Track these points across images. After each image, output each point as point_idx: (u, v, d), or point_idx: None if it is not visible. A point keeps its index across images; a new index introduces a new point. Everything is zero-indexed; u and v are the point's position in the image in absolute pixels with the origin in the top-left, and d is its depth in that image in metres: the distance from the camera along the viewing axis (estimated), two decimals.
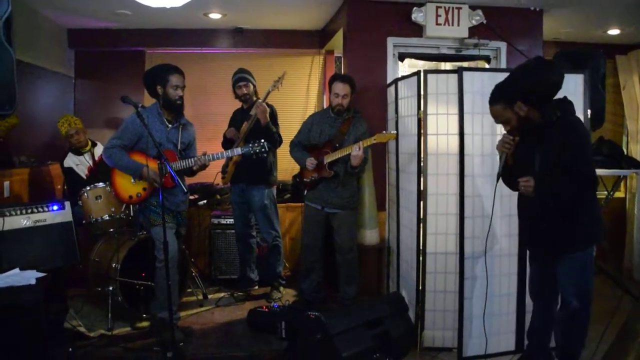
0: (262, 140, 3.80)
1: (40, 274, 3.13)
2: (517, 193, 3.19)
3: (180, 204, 3.90)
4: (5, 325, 2.71)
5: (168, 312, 3.41)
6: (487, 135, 3.70)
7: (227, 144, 4.72)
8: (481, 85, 3.68)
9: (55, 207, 3.98)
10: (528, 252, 3.47)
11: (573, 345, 3.05)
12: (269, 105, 4.58)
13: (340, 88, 4.12)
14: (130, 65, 6.22)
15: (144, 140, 3.70)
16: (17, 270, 3.17)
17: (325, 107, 5.36)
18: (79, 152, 4.90)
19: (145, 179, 3.70)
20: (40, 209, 3.90)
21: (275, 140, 4.49)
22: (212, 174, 5.05)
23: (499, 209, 3.69)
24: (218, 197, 5.47)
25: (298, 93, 6.51)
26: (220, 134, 4.87)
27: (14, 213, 3.73)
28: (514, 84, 2.94)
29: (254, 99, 4.59)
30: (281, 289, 4.89)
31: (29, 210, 3.83)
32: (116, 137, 3.74)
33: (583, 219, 2.93)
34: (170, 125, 3.82)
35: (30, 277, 3.06)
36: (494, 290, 3.71)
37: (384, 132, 3.95)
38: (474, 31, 4.91)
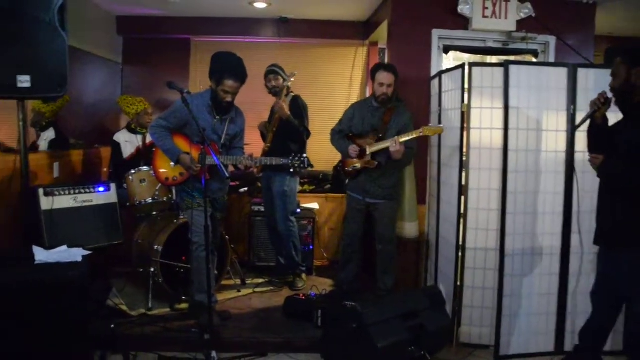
0: (305, 156, 3.79)
1: (86, 252, 3.23)
2: (560, 190, 3.30)
3: (216, 191, 3.93)
4: (52, 299, 2.81)
5: (205, 295, 3.49)
6: (532, 130, 3.64)
7: (261, 136, 4.89)
8: (528, 79, 3.62)
9: (101, 189, 4.11)
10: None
11: None
12: (296, 98, 4.66)
13: (385, 77, 4.08)
14: (176, 53, 6.36)
15: (189, 127, 3.76)
16: (64, 247, 3.28)
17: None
18: (135, 130, 5.04)
19: (182, 165, 3.76)
20: (87, 190, 4.03)
21: (298, 132, 4.52)
22: None
23: (542, 206, 3.63)
24: (259, 184, 5.51)
25: (341, 84, 6.52)
26: None
27: (63, 193, 3.87)
28: None
29: (285, 93, 4.62)
30: (304, 276, 4.93)
31: (77, 191, 3.96)
32: (163, 118, 3.81)
33: None
34: (217, 117, 3.81)
35: (76, 254, 3.16)
36: (534, 289, 3.66)
37: (431, 125, 3.90)
38: (522, 24, 4.79)
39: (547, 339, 3.69)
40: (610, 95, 2.93)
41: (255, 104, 5.57)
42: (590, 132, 3.08)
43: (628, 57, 2.82)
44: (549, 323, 3.68)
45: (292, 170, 3.82)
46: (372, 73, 4.23)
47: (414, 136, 3.86)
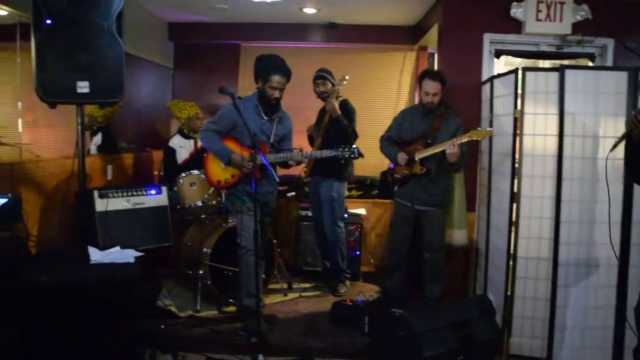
0: (355, 147, 3.79)
1: (139, 253, 3.31)
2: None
3: (267, 195, 3.96)
4: (105, 297, 2.90)
5: (253, 299, 3.52)
6: (588, 137, 3.51)
7: (309, 139, 4.91)
8: (584, 84, 3.51)
9: (153, 192, 4.21)
10: None
11: None
12: (344, 102, 4.66)
13: (430, 86, 4.01)
14: (226, 58, 6.49)
15: (238, 130, 3.80)
16: (118, 248, 3.38)
17: (416, 102, 5.28)
18: (187, 136, 5.14)
19: (233, 165, 3.81)
20: (139, 193, 4.13)
21: (346, 133, 4.51)
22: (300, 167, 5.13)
23: (600, 216, 3.49)
24: (306, 189, 5.53)
25: (389, 89, 6.49)
26: None
27: (116, 195, 3.98)
28: None
29: (336, 95, 4.63)
30: (347, 282, 4.91)
31: (130, 193, 4.07)
32: (213, 122, 3.88)
33: None
34: (265, 118, 3.87)
35: (129, 255, 3.25)
36: (590, 302, 3.53)
37: (479, 128, 3.83)
38: (577, 27, 4.64)
39: (603, 355, 3.54)
40: None
41: (302, 109, 5.62)
42: (628, 151, 2.94)
43: None
44: (606, 338, 3.53)
45: (342, 161, 3.85)
46: (419, 79, 4.19)
47: (464, 140, 3.80)
